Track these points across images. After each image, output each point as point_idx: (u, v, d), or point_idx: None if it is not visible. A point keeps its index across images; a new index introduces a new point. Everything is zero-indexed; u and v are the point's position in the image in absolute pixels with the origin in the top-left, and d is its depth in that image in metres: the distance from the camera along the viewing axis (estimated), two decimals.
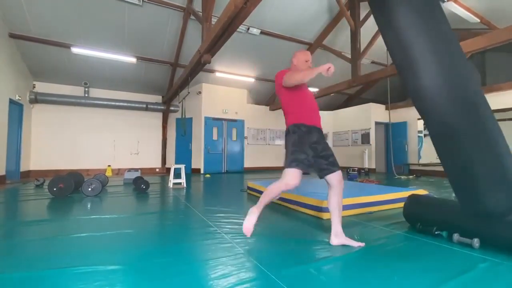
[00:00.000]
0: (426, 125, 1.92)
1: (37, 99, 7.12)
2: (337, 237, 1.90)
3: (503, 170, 1.67)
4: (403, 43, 1.78)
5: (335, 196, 1.91)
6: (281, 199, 3.40)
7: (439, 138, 1.87)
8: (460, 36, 7.09)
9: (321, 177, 1.94)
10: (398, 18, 1.77)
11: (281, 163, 9.98)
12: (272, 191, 1.90)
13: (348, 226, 2.43)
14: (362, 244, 1.86)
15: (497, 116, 7.33)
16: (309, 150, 1.85)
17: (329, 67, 1.67)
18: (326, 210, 2.71)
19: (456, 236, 1.93)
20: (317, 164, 1.90)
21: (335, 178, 1.90)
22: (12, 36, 5.81)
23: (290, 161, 1.83)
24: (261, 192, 3.95)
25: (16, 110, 6.36)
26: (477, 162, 1.70)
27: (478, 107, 1.73)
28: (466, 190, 1.84)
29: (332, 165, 1.90)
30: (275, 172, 9.37)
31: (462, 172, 1.78)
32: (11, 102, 5.95)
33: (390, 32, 1.85)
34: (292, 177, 1.82)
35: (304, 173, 1.90)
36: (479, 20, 6.18)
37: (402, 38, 1.78)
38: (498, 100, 7.06)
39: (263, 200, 1.94)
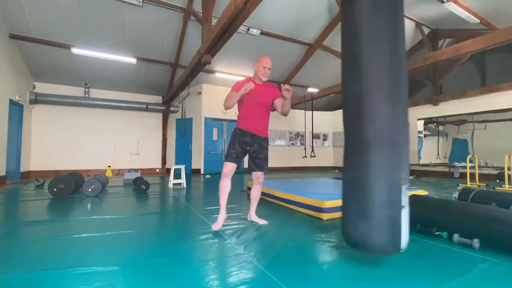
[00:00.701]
0: (346, 131, 1.64)
1: (37, 99, 7.12)
2: (251, 217, 2.58)
3: (393, 198, 1.43)
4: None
5: (255, 188, 2.54)
6: (281, 199, 3.41)
7: (352, 146, 1.60)
8: (460, 37, 7.10)
9: (250, 170, 2.48)
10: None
11: (281, 164, 10.03)
12: (220, 187, 2.38)
13: None
14: (265, 222, 2.48)
15: (497, 116, 7.39)
16: (238, 147, 2.34)
17: (246, 88, 2.19)
18: (326, 211, 2.72)
19: (456, 237, 1.93)
20: (248, 161, 2.46)
21: (255, 175, 2.47)
22: (12, 36, 5.82)
23: (225, 157, 2.39)
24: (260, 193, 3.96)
25: (16, 110, 6.36)
26: (377, 182, 1.45)
27: (401, 127, 1.52)
28: (353, 209, 1.55)
29: (255, 166, 2.43)
30: (275, 172, 9.37)
31: (358, 189, 1.53)
32: (11, 102, 5.95)
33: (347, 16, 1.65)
34: (225, 168, 2.33)
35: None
36: (479, 21, 6.19)
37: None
38: (498, 100, 7.06)
39: (221, 199, 2.39)
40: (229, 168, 2.33)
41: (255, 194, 2.56)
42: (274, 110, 2.52)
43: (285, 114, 2.46)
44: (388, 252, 1.47)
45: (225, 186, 2.36)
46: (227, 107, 2.32)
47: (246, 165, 2.69)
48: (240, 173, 9.23)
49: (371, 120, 1.47)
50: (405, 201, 1.43)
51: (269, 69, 2.40)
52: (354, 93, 1.56)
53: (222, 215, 2.38)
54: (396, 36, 1.55)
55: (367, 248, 1.47)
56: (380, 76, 1.50)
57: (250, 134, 2.38)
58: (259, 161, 2.42)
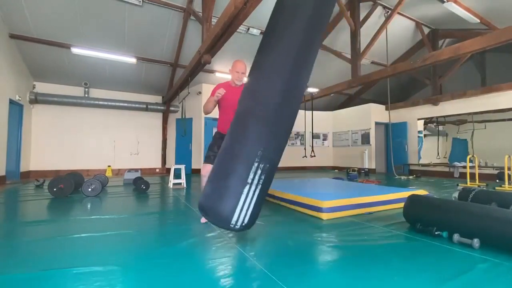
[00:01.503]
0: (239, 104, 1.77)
1: (37, 99, 7.12)
2: None
3: (241, 174, 1.45)
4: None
5: None
6: (281, 199, 3.41)
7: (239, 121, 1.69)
8: (460, 37, 7.11)
9: None
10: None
11: (281, 164, 10.03)
12: (202, 186, 2.41)
13: (348, 226, 2.44)
14: (203, 220, 2.52)
15: (497, 116, 7.39)
16: (216, 149, 2.43)
17: (217, 95, 2.39)
18: (325, 210, 2.72)
19: (456, 237, 1.93)
20: None
21: None
22: (13, 36, 5.81)
23: (204, 157, 2.55)
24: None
25: (16, 110, 6.36)
26: (236, 152, 1.52)
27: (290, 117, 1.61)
28: (214, 175, 1.66)
29: None
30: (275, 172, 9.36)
31: (225, 158, 1.61)
32: (11, 102, 5.95)
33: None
34: (203, 169, 2.49)
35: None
36: (479, 21, 6.19)
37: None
38: (498, 100, 7.06)
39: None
40: (207, 168, 2.42)
41: None
42: None
43: None
44: (217, 221, 1.45)
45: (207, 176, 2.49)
46: (206, 112, 2.48)
47: None
48: None
49: (251, 95, 1.56)
50: (251, 178, 1.39)
51: (243, 73, 2.48)
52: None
53: None
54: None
55: (207, 213, 1.51)
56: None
57: None
58: None
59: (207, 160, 2.48)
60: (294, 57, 1.58)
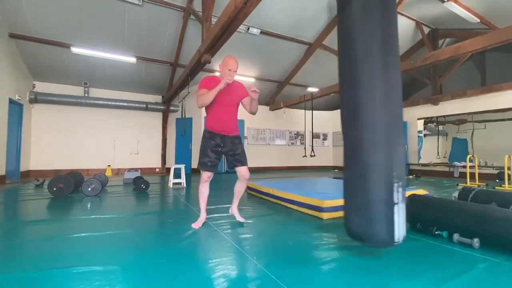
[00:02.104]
0: (345, 133, 1.74)
1: (37, 99, 7.11)
2: (233, 210, 2.61)
3: (386, 196, 1.52)
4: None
5: (239, 184, 2.50)
6: (281, 199, 3.41)
7: (352, 148, 1.68)
8: (460, 37, 7.10)
9: (230, 168, 2.48)
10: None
11: (281, 163, 10.01)
12: (200, 191, 2.41)
13: None
14: (242, 219, 2.51)
15: (497, 116, 7.39)
16: (211, 154, 2.32)
17: (225, 82, 2.18)
18: (326, 210, 2.71)
19: (456, 236, 1.93)
20: (227, 160, 2.43)
21: (239, 172, 2.41)
22: (12, 36, 5.81)
23: (198, 164, 2.36)
24: (259, 192, 3.96)
25: (16, 110, 6.35)
26: (372, 181, 1.55)
27: (397, 127, 1.62)
28: (355, 205, 1.67)
29: (237, 161, 2.39)
30: (275, 172, 9.37)
31: (357, 187, 1.63)
32: (11, 102, 5.94)
33: (341, 24, 1.73)
34: (203, 176, 2.35)
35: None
36: (479, 20, 6.18)
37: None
38: (498, 99, 7.06)
39: (200, 202, 2.44)
40: (208, 175, 2.34)
41: (239, 190, 2.53)
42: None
43: (252, 113, 2.46)
44: (383, 244, 1.55)
45: (204, 191, 2.40)
46: (202, 105, 2.27)
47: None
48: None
49: (365, 123, 1.57)
50: (397, 198, 1.51)
51: (235, 71, 2.30)
52: (350, 98, 1.65)
53: (203, 215, 2.43)
54: (389, 42, 1.62)
55: (366, 240, 1.58)
56: (373, 82, 1.58)
57: (220, 135, 2.34)
58: (238, 156, 2.38)
59: (204, 167, 2.31)
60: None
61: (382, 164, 1.54)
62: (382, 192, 1.53)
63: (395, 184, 1.52)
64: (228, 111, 2.36)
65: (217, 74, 8.26)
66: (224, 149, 2.37)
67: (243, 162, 2.40)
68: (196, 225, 2.34)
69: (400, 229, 1.53)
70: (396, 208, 1.52)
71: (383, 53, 1.58)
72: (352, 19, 1.63)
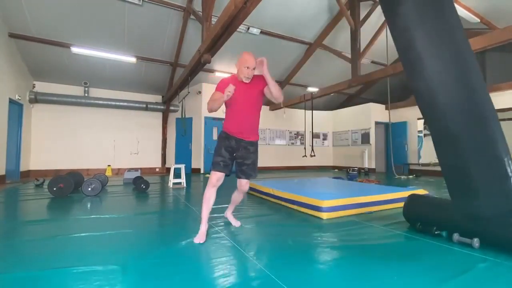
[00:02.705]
0: (428, 125, 1.89)
1: (37, 99, 7.11)
2: (227, 214, 2.57)
3: (500, 173, 1.62)
4: (406, 38, 1.74)
5: (237, 194, 2.42)
6: (281, 199, 3.41)
7: (440, 137, 1.85)
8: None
9: (236, 176, 2.27)
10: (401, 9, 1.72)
11: (281, 163, 9.99)
12: (205, 196, 2.13)
13: (348, 225, 2.44)
14: (238, 224, 2.44)
15: (498, 116, 7.39)
16: (225, 153, 2.13)
17: (228, 94, 1.95)
18: (326, 210, 2.72)
19: (456, 236, 1.93)
20: (235, 166, 2.24)
21: (239, 183, 2.27)
22: (12, 36, 5.81)
23: (211, 164, 2.17)
24: (260, 192, 3.96)
25: (16, 110, 6.35)
26: (475, 163, 1.68)
27: (480, 107, 1.68)
28: (461, 190, 1.82)
29: (242, 173, 2.21)
30: (275, 172, 9.36)
31: (460, 172, 1.76)
32: (11, 101, 5.94)
33: (396, 26, 1.81)
34: (213, 176, 2.10)
35: None
36: (479, 20, 6.18)
37: (404, 33, 1.74)
38: (498, 100, 7.03)
39: (203, 210, 2.13)
40: (218, 176, 2.09)
41: (236, 199, 2.46)
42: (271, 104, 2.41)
43: (277, 99, 2.12)
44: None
45: (210, 197, 2.11)
46: (210, 110, 2.07)
47: None
48: None
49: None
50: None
51: (254, 69, 2.08)
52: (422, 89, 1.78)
53: (204, 227, 2.08)
54: (454, 34, 1.68)
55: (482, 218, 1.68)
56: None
57: (235, 138, 2.15)
58: (245, 168, 2.18)
59: (216, 167, 2.09)
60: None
61: (490, 143, 1.65)
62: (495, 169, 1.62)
63: (505, 158, 1.59)
64: (246, 113, 2.15)
65: (218, 74, 8.27)
66: (236, 153, 2.18)
67: (248, 176, 2.20)
68: (199, 239, 1.98)
69: None
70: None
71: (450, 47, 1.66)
72: (407, 19, 1.68)
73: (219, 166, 2.10)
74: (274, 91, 2.08)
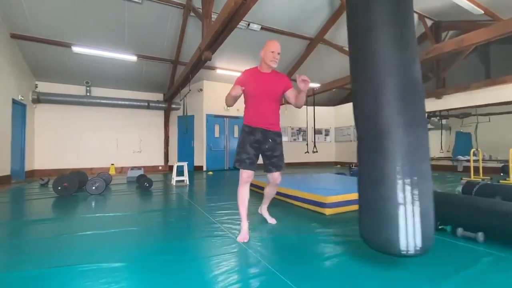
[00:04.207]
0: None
1: (40, 99, 7.15)
2: (262, 210, 2.54)
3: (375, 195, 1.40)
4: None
5: (270, 188, 2.38)
6: (284, 195, 3.41)
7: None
8: (464, 29, 7.00)
9: (264, 171, 2.24)
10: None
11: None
12: (239, 196, 2.08)
13: (351, 221, 2.43)
14: (274, 221, 2.40)
15: (501, 109, 7.31)
16: (250, 149, 2.08)
17: (235, 93, 1.97)
18: (329, 206, 2.72)
19: (460, 231, 1.92)
20: (263, 160, 2.19)
21: (271, 176, 2.23)
22: (13, 36, 5.82)
23: (235, 161, 2.11)
24: (263, 189, 3.96)
25: (19, 110, 6.39)
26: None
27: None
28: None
29: (272, 166, 2.17)
30: None
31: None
32: (14, 102, 5.98)
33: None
34: (243, 174, 2.06)
35: None
36: (483, 12, 6.09)
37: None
38: (502, 92, 6.98)
39: (240, 209, 2.08)
40: (248, 174, 2.06)
41: (270, 193, 2.42)
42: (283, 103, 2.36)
43: (298, 107, 2.17)
44: (385, 251, 1.35)
45: (244, 194, 2.07)
46: (227, 106, 2.12)
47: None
48: None
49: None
50: (402, 197, 1.29)
51: (278, 53, 2.11)
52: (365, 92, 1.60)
53: (246, 226, 2.03)
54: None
55: (368, 245, 1.43)
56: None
57: (261, 130, 2.10)
58: (276, 160, 2.15)
59: (243, 165, 2.04)
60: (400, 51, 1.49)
61: (382, 158, 1.42)
62: (383, 190, 1.36)
63: (399, 181, 1.32)
64: (269, 104, 2.14)
65: (219, 71, 8.23)
66: (263, 147, 2.12)
67: (279, 167, 2.18)
68: (242, 238, 1.95)
69: (410, 237, 1.28)
70: (402, 209, 1.29)
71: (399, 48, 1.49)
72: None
73: (245, 164, 2.05)
74: (301, 101, 2.10)
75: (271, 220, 2.43)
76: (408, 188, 1.32)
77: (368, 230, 1.44)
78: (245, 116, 2.18)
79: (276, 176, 2.21)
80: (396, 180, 1.34)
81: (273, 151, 2.14)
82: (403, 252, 1.28)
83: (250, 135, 2.10)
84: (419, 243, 1.28)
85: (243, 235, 1.98)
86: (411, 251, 1.28)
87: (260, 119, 2.11)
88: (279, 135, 2.20)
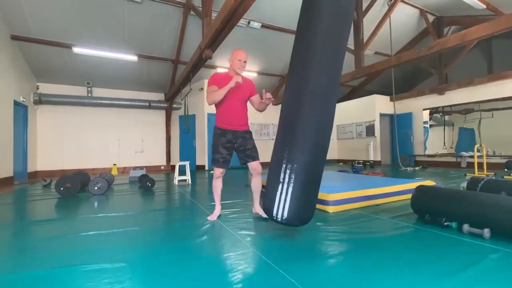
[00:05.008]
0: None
1: (41, 100, 7.16)
2: (255, 209, 2.59)
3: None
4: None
5: (254, 180, 2.53)
6: None
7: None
8: (466, 24, 6.94)
9: (242, 164, 2.52)
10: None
11: None
12: (213, 186, 2.54)
13: (355, 218, 2.42)
14: (210, 218, 2.52)
15: (503, 104, 7.26)
16: (223, 150, 2.39)
17: (236, 82, 2.23)
18: (332, 203, 2.70)
19: (466, 227, 1.90)
20: (238, 156, 2.49)
21: (251, 166, 2.46)
22: (14, 38, 5.83)
23: (211, 160, 2.48)
24: (263, 187, 3.95)
25: (21, 111, 6.41)
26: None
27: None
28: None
29: (248, 157, 2.44)
30: None
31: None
32: (16, 103, 5.99)
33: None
34: (216, 172, 2.44)
35: None
36: (485, 6, 6.03)
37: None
38: (505, 87, 6.92)
39: (214, 196, 2.57)
40: (220, 171, 2.42)
41: (255, 186, 2.53)
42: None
43: (260, 111, 2.47)
44: (266, 213, 1.79)
45: (217, 186, 2.51)
46: (213, 102, 2.32)
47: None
48: (244, 168, 9.23)
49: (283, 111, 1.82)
50: (283, 177, 1.65)
51: (245, 62, 2.38)
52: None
53: (218, 208, 2.55)
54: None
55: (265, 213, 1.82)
56: None
57: (231, 131, 2.40)
58: (249, 152, 2.43)
59: (216, 164, 2.39)
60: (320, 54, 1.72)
61: (278, 142, 1.77)
62: (273, 167, 1.75)
63: (283, 165, 1.66)
64: (237, 107, 2.41)
65: (220, 70, 8.22)
66: (235, 145, 2.42)
67: (254, 157, 2.44)
68: (212, 217, 2.46)
69: (280, 208, 1.65)
70: (280, 186, 1.66)
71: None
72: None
73: (218, 163, 2.39)
74: (263, 108, 2.42)
75: (265, 215, 2.46)
76: None
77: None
78: (217, 118, 2.44)
79: (255, 165, 2.45)
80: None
81: (245, 146, 2.43)
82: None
83: (221, 137, 2.39)
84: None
85: (214, 215, 2.49)
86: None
87: (230, 120, 2.39)
88: (247, 132, 2.48)
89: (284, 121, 1.77)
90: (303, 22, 1.80)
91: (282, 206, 1.65)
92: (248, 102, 2.52)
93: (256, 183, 2.52)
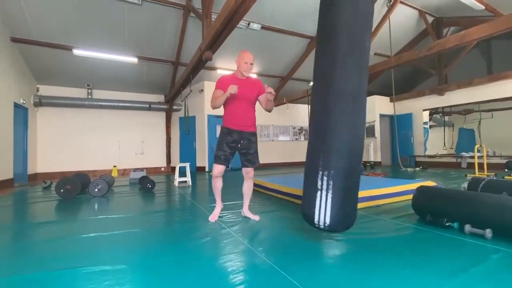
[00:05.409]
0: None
1: (41, 102, 7.17)
2: (244, 212, 2.60)
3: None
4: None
5: (245, 184, 2.55)
6: (288, 194, 3.39)
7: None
8: (465, 25, 6.96)
9: (242, 167, 2.50)
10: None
11: (285, 159, 9.96)
12: (213, 185, 2.51)
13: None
14: (257, 218, 2.50)
15: (503, 105, 7.26)
16: (226, 148, 2.37)
17: (230, 93, 2.20)
18: None
19: (467, 227, 1.90)
20: (240, 157, 2.47)
21: (245, 171, 2.49)
22: (14, 40, 5.83)
23: (214, 157, 2.43)
24: (265, 188, 3.95)
25: (21, 113, 6.41)
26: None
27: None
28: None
29: (248, 162, 2.44)
30: (279, 168, 9.34)
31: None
32: (16, 106, 5.99)
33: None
34: (215, 170, 2.40)
35: None
36: (484, 7, 6.04)
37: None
38: (505, 88, 6.93)
39: (215, 195, 2.55)
40: (219, 169, 2.39)
41: (247, 189, 2.54)
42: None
43: (268, 111, 2.44)
44: (306, 220, 1.75)
45: (217, 185, 2.48)
46: (214, 107, 2.34)
47: None
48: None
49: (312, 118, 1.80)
50: (320, 184, 1.63)
51: (251, 64, 2.36)
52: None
53: (218, 208, 2.56)
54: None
55: (305, 220, 1.78)
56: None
57: (237, 131, 2.38)
58: (251, 157, 2.43)
59: (218, 161, 2.37)
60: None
61: (311, 150, 1.74)
62: (310, 174, 1.72)
63: (320, 172, 1.64)
64: (244, 107, 2.39)
65: (220, 72, 8.23)
66: (239, 146, 2.41)
67: (254, 163, 2.44)
68: (213, 218, 2.47)
69: (321, 215, 1.62)
70: (319, 193, 1.63)
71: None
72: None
73: (220, 160, 2.37)
74: (270, 106, 2.39)
75: (254, 217, 2.51)
76: None
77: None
78: (224, 118, 2.44)
79: (249, 170, 2.47)
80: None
81: (248, 149, 2.42)
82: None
83: (228, 136, 2.38)
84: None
85: (215, 216, 2.50)
86: None
87: (237, 121, 2.38)
88: (254, 134, 2.47)
89: (315, 128, 1.76)
90: (326, 30, 1.76)
91: (324, 213, 1.62)
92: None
93: (247, 187, 2.53)
